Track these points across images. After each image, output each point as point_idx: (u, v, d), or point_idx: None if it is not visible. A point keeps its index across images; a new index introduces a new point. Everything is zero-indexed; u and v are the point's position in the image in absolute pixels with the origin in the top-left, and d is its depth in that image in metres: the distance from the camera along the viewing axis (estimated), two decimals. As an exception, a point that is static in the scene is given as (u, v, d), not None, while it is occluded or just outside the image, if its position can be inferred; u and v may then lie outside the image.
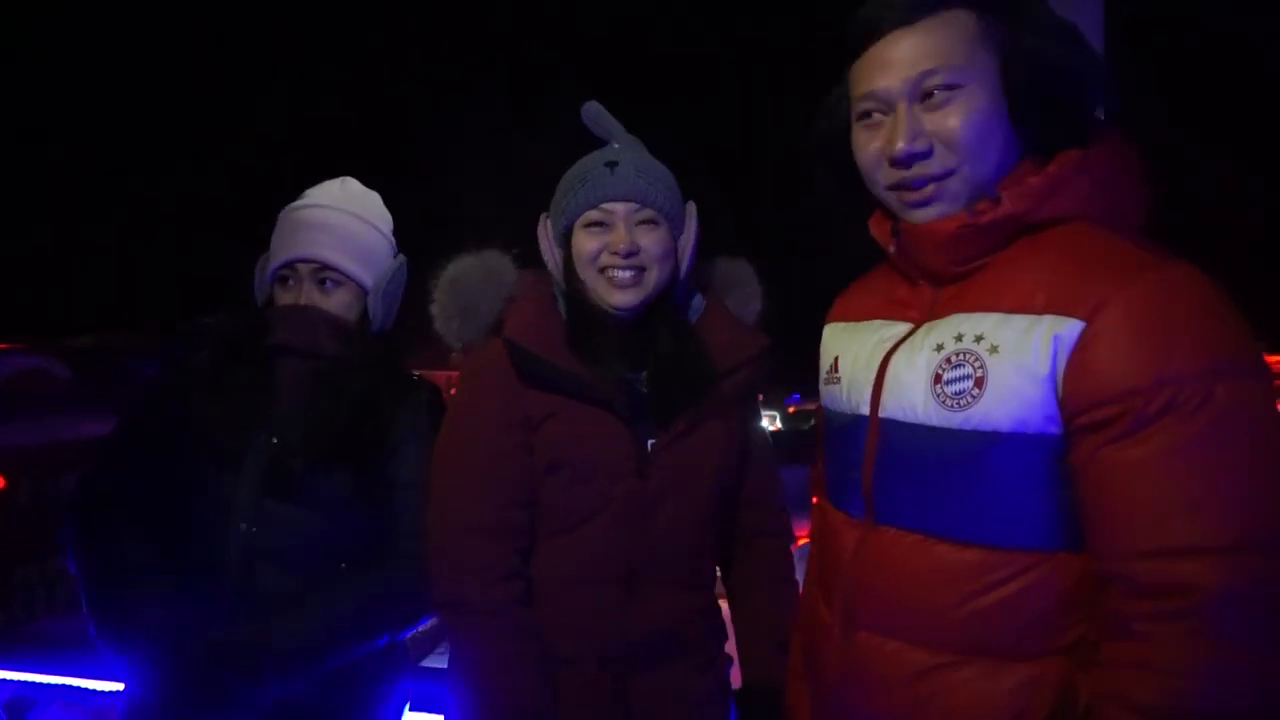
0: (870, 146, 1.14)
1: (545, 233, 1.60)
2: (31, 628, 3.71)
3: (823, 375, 1.33)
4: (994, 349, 1.02)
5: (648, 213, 1.52)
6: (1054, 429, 0.99)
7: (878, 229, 1.23)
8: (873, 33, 1.12)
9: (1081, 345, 0.96)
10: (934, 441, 1.06)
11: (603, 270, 1.51)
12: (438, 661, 1.83)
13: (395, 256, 1.80)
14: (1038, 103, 1.08)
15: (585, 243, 1.52)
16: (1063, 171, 1.07)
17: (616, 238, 1.50)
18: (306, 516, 1.61)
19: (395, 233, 1.84)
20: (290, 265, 1.69)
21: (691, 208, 1.61)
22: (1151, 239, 1.07)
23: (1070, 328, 0.98)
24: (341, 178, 1.82)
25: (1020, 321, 1.01)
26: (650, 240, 1.52)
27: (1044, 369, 0.98)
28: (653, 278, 1.53)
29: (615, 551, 1.52)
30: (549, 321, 1.55)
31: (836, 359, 1.28)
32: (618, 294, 1.51)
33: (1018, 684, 1.00)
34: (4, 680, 2.63)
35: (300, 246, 1.68)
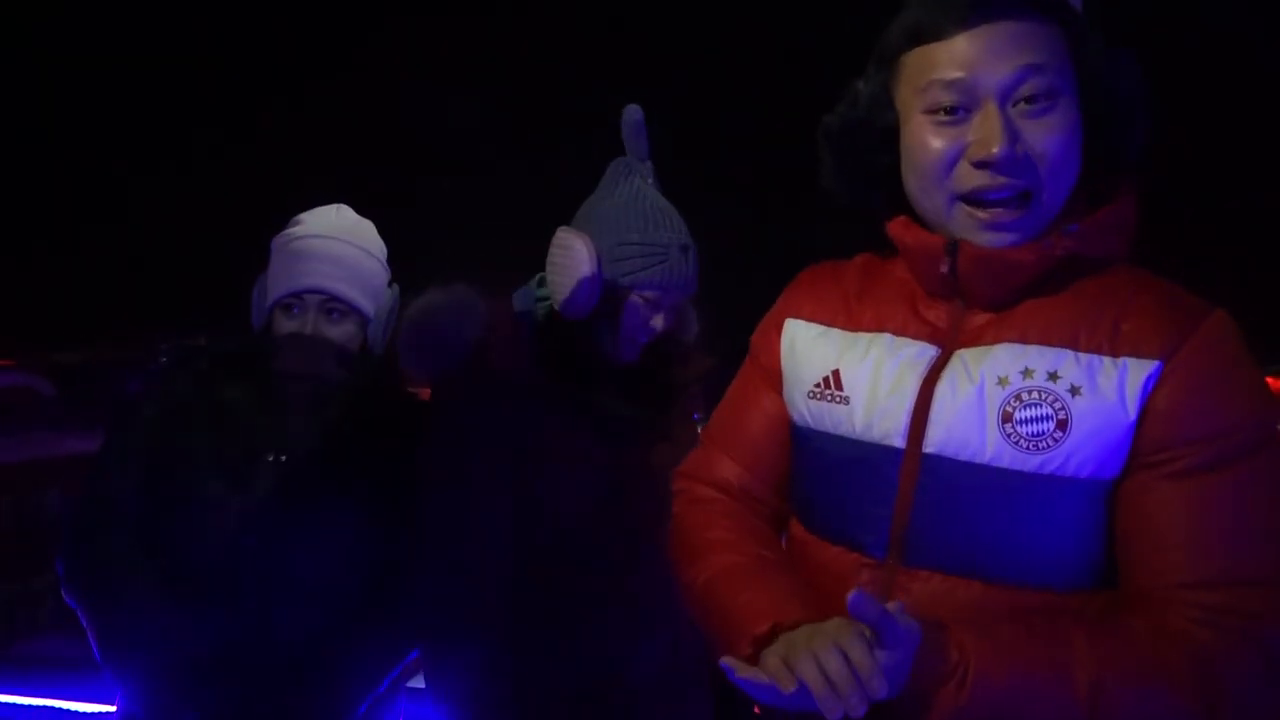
0: (939, 144, 1.01)
1: (589, 256, 1.50)
2: (14, 648, 3.65)
3: (805, 388, 1.17)
4: (1075, 390, 0.96)
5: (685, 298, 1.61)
6: (1120, 471, 0.97)
7: (909, 235, 1.10)
8: (955, 19, 0.98)
9: (1159, 387, 0.95)
10: (1002, 484, 0.98)
11: (636, 338, 1.58)
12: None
13: (390, 285, 1.82)
14: (1107, 132, 1.02)
15: (638, 311, 1.56)
16: (1124, 210, 1.03)
17: (658, 320, 1.57)
18: (319, 534, 1.62)
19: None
20: (297, 295, 1.68)
21: None
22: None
23: (1151, 372, 0.96)
24: (335, 205, 1.81)
25: (1096, 362, 0.97)
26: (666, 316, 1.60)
27: (1132, 415, 0.95)
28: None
29: (616, 566, 1.55)
30: (523, 349, 1.58)
31: (836, 373, 1.13)
32: (631, 354, 1.59)
33: None
34: (-15, 702, 2.59)
35: (308, 277, 1.67)
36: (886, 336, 1.11)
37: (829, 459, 1.13)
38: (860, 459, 1.08)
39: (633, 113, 1.59)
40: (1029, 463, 0.96)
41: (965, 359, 1.03)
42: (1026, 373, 0.98)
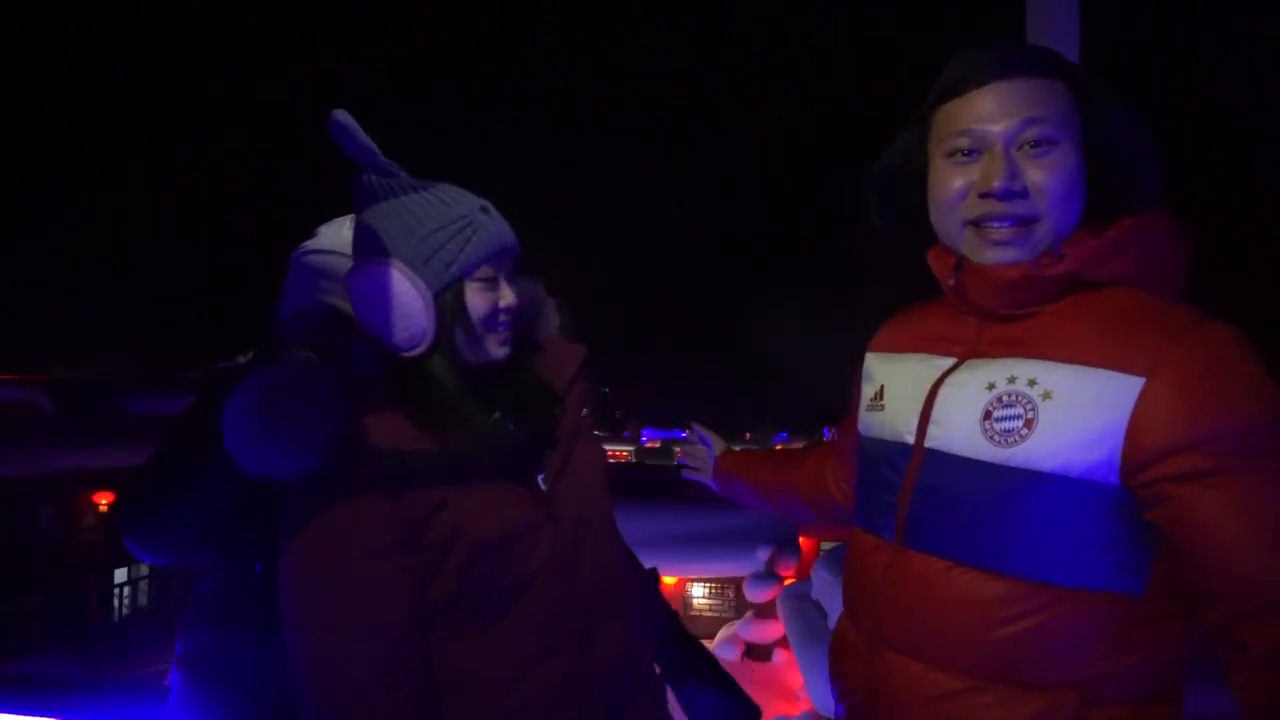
0: (956, 180, 1.20)
1: (402, 273, 1.37)
2: (6, 668, 3.63)
3: (865, 402, 1.39)
4: (1047, 395, 1.09)
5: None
6: (1109, 479, 1.04)
7: (937, 262, 1.29)
8: (975, 80, 1.19)
9: (1144, 400, 1.03)
10: (977, 474, 1.12)
11: (495, 327, 1.42)
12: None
13: None
14: (1112, 174, 1.17)
15: (480, 296, 1.40)
16: (1121, 237, 1.14)
17: (507, 297, 1.42)
18: None
19: None
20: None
21: None
22: (1188, 301, 1.15)
23: (1131, 384, 1.04)
24: (344, 218, 1.78)
25: (1073, 371, 1.08)
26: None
27: (1100, 420, 1.04)
28: None
29: (561, 606, 1.42)
30: (393, 410, 1.37)
31: (882, 388, 1.35)
32: (500, 350, 1.44)
33: (1033, 712, 1.08)
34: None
35: (317, 293, 1.69)
36: (920, 354, 1.30)
37: (868, 457, 1.35)
38: (886, 455, 1.28)
39: (335, 119, 1.35)
40: (998, 455, 1.10)
41: (972, 367, 1.20)
42: (1011, 379, 1.13)
